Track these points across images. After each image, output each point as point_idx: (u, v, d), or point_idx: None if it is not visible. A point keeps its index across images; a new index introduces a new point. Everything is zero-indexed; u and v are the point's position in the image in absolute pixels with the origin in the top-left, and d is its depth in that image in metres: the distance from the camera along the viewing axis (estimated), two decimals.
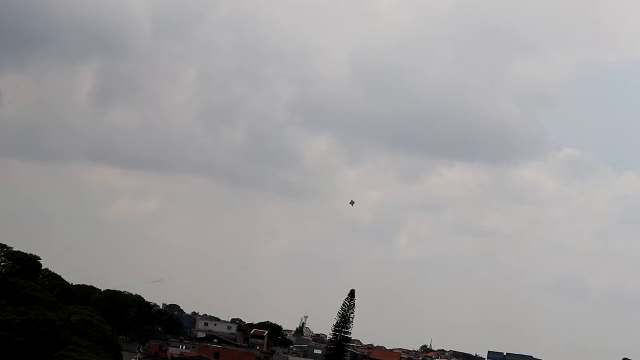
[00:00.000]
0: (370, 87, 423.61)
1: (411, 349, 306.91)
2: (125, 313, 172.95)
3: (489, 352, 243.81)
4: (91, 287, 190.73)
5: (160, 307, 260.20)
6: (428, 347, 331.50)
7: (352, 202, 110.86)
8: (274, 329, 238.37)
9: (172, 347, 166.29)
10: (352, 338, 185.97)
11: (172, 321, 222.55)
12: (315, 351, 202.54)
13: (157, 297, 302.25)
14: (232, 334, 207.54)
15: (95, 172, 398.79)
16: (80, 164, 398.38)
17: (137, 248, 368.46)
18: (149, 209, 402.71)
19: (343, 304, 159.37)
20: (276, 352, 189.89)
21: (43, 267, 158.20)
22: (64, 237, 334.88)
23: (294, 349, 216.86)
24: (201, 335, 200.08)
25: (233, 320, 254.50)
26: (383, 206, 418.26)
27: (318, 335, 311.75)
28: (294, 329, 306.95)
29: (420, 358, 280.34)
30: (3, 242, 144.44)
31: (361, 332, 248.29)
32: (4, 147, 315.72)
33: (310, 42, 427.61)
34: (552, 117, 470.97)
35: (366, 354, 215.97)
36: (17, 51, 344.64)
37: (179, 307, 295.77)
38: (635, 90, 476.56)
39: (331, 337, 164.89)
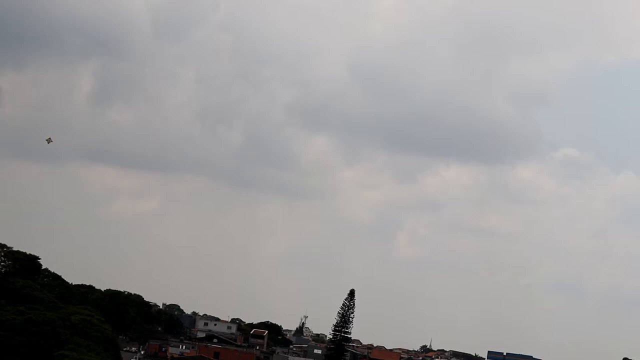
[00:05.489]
0: (368, 88, 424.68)
1: (411, 349, 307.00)
2: (125, 313, 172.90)
3: (489, 352, 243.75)
4: (91, 287, 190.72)
5: (160, 307, 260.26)
6: (428, 347, 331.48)
7: (48, 140, 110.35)
8: (274, 329, 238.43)
9: (172, 347, 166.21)
10: (352, 338, 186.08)
11: (172, 321, 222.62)
12: (315, 351, 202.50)
13: (157, 297, 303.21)
14: (232, 334, 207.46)
15: (95, 172, 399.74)
16: (80, 163, 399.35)
17: (137, 248, 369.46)
18: (148, 209, 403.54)
19: (343, 304, 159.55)
20: (276, 352, 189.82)
21: (43, 267, 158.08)
22: (64, 237, 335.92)
23: (294, 349, 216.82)
24: (201, 335, 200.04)
25: (233, 320, 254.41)
26: (381, 206, 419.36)
27: (318, 335, 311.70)
28: (294, 329, 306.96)
29: (420, 358, 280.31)
30: (3, 242, 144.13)
31: (361, 332, 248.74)
32: (4, 147, 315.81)
33: (309, 43, 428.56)
34: (550, 117, 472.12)
35: (366, 354, 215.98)
36: (17, 51, 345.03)
37: (179, 307, 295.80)
38: (633, 90, 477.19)
39: (331, 337, 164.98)
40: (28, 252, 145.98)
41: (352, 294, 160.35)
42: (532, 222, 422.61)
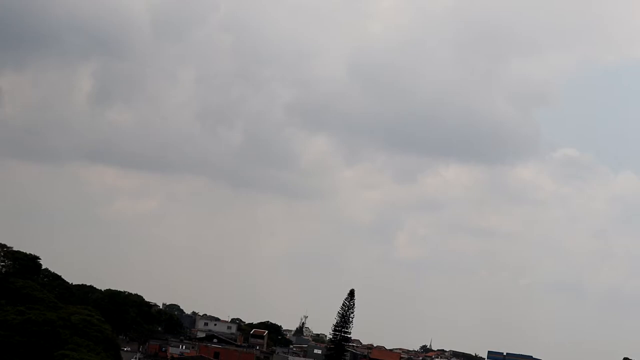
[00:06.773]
0: (368, 88, 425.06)
1: (411, 349, 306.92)
2: (125, 313, 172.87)
3: (489, 352, 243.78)
4: (91, 287, 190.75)
5: (160, 307, 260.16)
6: (428, 347, 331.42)
7: None
8: (274, 329, 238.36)
9: (172, 347, 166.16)
10: (352, 338, 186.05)
11: (172, 321, 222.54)
12: (315, 351, 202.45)
13: (157, 297, 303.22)
14: (232, 334, 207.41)
15: (94, 172, 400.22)
16: (80, 163, 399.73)
17: (137, 248, 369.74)
18: (148, 209, 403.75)
19: (343, 304, 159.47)
20: (276, 352, 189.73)
21: (43, 267, 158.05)
22: (64, 237, 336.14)
23: (294, 349, 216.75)
24: (201, 335, 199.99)
25: (233, 320, 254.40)
26: (381, 206, 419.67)
27: (318, 335, 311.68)
28: (294, 329, 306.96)
29: (420, 358, 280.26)
30: (3, 242, 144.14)
31: (361, 332, 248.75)
32: (4, 147, 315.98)
33: (309, 43, 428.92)
34: (550, 117, 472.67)
35: (366, 354, 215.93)
36: (17, 51, 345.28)
37: (179, 307, 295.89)
38: (633, 90, 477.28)
39: (331, 337, 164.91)
40: (28, 252, 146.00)
41: (352, 294, 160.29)
42: (532, 222, 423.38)
